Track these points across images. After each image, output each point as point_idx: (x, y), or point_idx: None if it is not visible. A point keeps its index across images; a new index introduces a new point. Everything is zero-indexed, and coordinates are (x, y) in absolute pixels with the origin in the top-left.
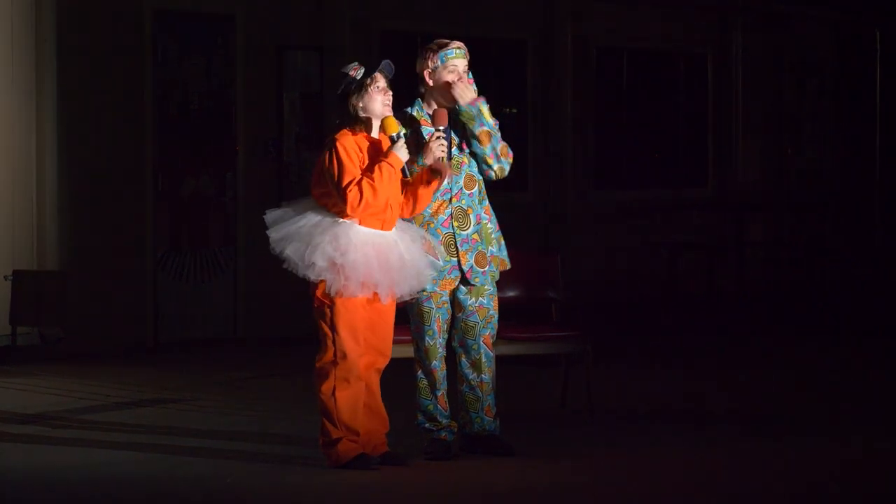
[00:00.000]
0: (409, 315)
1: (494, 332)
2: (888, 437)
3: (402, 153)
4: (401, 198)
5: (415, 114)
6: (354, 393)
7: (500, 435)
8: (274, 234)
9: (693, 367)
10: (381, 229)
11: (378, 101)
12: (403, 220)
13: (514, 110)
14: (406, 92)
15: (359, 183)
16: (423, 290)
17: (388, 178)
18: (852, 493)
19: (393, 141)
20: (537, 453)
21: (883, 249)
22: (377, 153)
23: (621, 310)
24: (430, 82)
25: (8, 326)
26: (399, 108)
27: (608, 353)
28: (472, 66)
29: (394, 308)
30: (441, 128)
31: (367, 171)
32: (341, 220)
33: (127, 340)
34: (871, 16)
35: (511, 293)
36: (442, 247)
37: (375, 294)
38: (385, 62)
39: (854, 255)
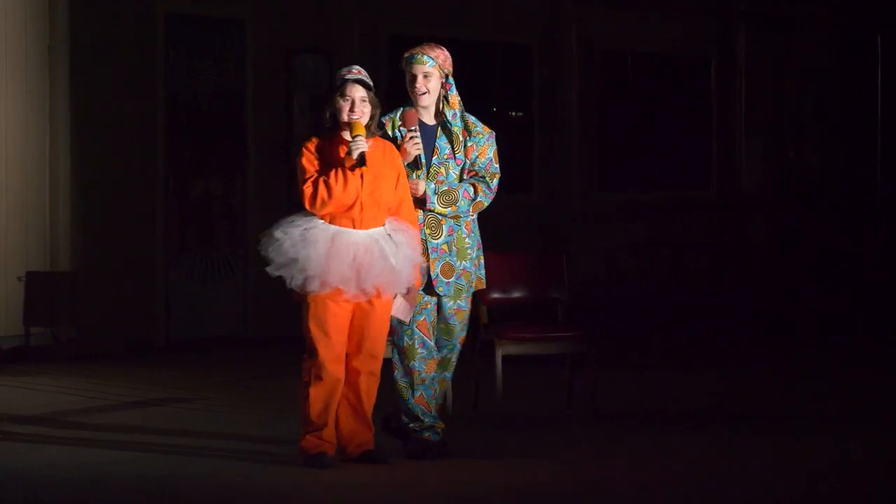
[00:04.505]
0: None
1: (466, 330)
2: (888, 437)
3: (354, 153)
4: (389, 200)
5: (397, 117)
6: (327, 391)
7: (440, 441)
8: (262, 240)
9: (697, 367)
10: (353, 228)
11: (344, 112)
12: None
13: (520, 113)
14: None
15: (314, 182)
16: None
17: (344, 179)
18: (852, 492)
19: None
20: (541, 453)
21: (885, 251)
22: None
23: (625, 310)
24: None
25: (21, 327)
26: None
27: (613, 353)
28: (478, 70)
29: (386, 310)
30: (412, 128)
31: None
32: (305, 219)
33: (138, 340)
34: (872, 20)
35: (516, 294)
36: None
37: (339, 292)
38: (359, 77)
39: (856, 256)
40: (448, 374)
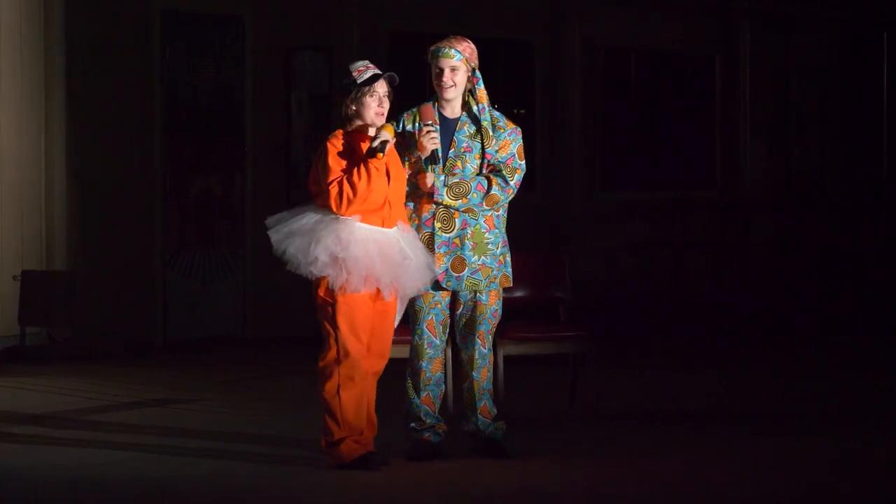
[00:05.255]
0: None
1: (490, 326)
2: (888, 437)
3: (376, 142)
4: (404, 196)
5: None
6: (359, 392)
7: (500, 439)
8: (275, 235)
9: (697, 367)
10: (382, 226)
11: (371, 109)
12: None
13: (523, 111)
14: (412, 93)
15: (339, 182)
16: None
17: (367, 176)
18: (852, 492)
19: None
20: (541, 453)
21: (885, 251)
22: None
23: (625, 310)
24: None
25: (16, 326)
26: (405, 109)
27: (613, 353)
28: (480, 68)
29: (395, 310)
30: (429, 122)
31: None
32: (343, 217)
33: (135, 340)
34: (874, 20)
35: (519, 293)
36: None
37: (378, 294)
38: (390, 73)
39: (856, 256)
40: (476, 375)
